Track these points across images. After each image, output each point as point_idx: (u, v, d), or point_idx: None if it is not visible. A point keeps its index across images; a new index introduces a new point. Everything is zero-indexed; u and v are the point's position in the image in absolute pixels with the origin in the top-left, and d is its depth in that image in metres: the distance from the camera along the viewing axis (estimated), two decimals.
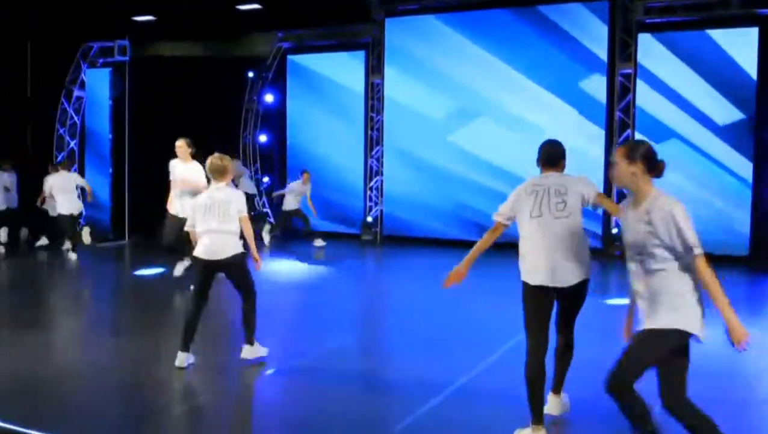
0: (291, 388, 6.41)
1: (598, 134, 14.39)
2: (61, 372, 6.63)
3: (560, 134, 14.37)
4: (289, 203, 15.43)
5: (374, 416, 5.72)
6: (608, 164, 14.33)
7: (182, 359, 6.61)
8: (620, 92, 14.39)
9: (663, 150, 13.66)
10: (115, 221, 16.08)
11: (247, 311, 6.84)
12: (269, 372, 6.76)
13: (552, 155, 5.63)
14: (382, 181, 16.70)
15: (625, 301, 4.57)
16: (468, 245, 10.74)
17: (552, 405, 5.46)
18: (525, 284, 5.19)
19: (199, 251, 6.67)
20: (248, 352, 6.81)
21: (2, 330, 8.27)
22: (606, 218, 14.50)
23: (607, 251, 14.37)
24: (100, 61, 16.09)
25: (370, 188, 16.88)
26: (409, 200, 16.23)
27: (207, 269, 6.68)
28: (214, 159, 6.79)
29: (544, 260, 5.12)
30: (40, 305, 10.18)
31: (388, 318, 9.84)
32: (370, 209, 16.90)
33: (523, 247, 5.32)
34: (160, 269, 12.02)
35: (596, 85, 14.40)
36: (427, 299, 10.14)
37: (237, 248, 6.68)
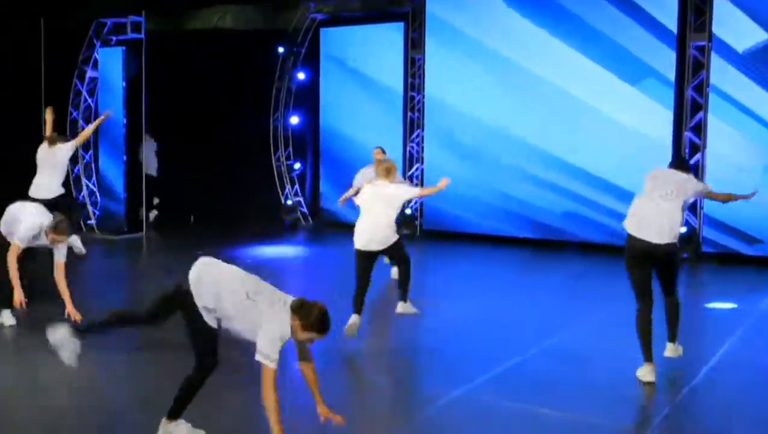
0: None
1: (666, 116, 12.85)
2: None
3: (621, 116, 13.15)
4: None
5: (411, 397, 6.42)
6: (677, 151, 12.85)
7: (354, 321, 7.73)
8: (692, 68, 12.80)
9: (739, 135, 12.02)
10: (130, 213, 15.14)
11: (403, 274, 8.05)
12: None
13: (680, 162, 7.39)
14: (422, 169, 15.43)
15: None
16: (518, 242, 12.04)
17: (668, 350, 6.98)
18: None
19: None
20: (403, 308, 7.98)
21: None
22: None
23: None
24: (114, 39, 15.12)
25: (410, 177, 15.61)
26: (453, 190, 14.84)
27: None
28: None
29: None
30: None
31: (425, 320, 8.84)
32: (410, 201, 15.62)
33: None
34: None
35: (664, 60, 12.85)
36: (470, 300, 9.90)
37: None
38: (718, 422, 5.85)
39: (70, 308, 7.44)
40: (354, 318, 7.70)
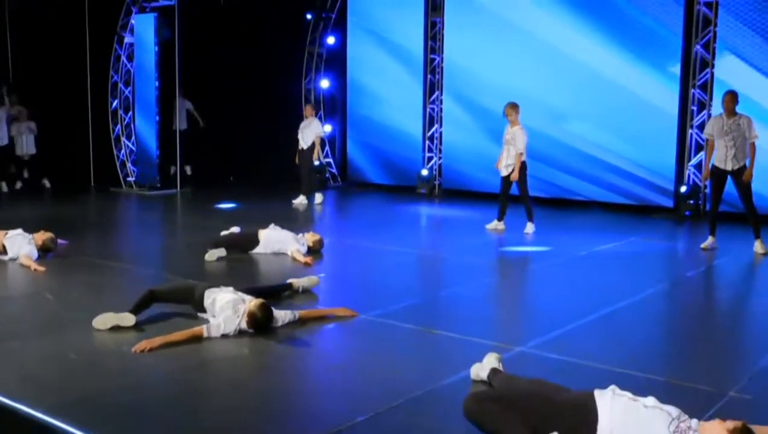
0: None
1: (672, 74, 11.93)
2: None
3: (627, 79, 12.21)
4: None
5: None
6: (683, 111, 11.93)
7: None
8: (702, 24, 11.77)
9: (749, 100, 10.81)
10: (163, 170, 14.96)
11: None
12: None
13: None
14: (441, 131, 14.75)
15: None
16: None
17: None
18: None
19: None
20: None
21: None
22: (678, 176, 12.09)
23: (678, 210, 11.98)
24: (148, 6, 14.80)
25: (429, 138, 14.96)
26: (470, 151, 14.22)
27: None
28: None
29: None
30: None
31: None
32: (428, 160, 15.00)
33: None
34: None
35: (671, 17, 11.89)
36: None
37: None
38: None
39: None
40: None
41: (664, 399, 3.68)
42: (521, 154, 10.37)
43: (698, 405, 4.16)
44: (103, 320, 5.70)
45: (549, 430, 3.65)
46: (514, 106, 10.56)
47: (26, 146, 14.99)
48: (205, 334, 5.50)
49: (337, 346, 5.69)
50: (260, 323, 5.60)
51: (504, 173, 10.58)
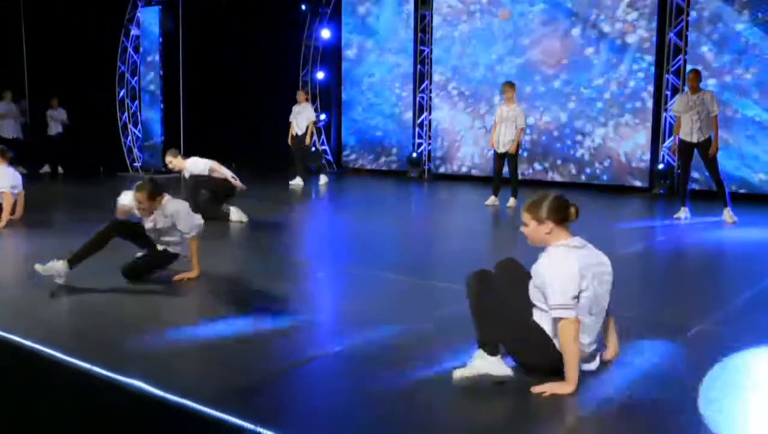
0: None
1: (647, 61, 11.77)
2: None
3: (606, 67, 12.09)
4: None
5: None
6: (657, 96, 11.77)
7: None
8: (675, 13, 11.62)
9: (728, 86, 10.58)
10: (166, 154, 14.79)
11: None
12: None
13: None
14: (429, 119, 14.58)
15: None
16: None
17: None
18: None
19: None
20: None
21: None
22: (653, 157, 11.94)
23: (652, 190, 11.84)
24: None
25: (419, 125, 14.80)
26: (457, 137, 14.06)
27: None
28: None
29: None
30: None
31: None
32: (418, 146, 14.84)
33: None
34: None
35: (646, 8, 11.73)
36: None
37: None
38: None
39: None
40: None
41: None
42: (523, 129, 10.32)
43: (675, 334, 4.04)
44: (43, 268, 5.40)
45: (514, 347, 3.60)
46: (512, 85, 10.45)
47: (54, 129, 14.77)
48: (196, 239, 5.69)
49: (325, 293, 5.56)
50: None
51: (502, 149, 10.37)
